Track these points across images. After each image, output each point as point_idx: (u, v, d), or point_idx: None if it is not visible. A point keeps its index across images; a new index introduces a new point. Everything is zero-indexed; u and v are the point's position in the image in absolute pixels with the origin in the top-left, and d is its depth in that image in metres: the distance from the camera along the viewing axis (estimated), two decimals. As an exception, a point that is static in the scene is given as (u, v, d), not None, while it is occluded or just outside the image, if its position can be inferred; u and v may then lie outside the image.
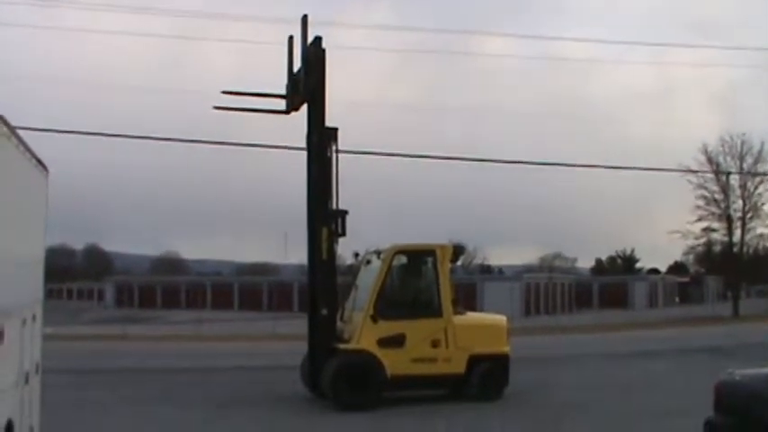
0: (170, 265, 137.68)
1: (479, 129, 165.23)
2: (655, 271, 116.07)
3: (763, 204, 66.03)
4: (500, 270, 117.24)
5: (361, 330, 17.23)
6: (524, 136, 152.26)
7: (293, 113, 19.04)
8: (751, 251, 70.37)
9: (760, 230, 67.95)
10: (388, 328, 17.33)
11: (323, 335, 17.49)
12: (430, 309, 17.94)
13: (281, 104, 19.35)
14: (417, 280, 18.91)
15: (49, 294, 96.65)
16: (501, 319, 19.45)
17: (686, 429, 12.94)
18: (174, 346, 36.75)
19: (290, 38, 19.07)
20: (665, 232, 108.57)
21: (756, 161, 64.85)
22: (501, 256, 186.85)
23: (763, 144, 64.36)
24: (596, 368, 24.73)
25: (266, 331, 45.71)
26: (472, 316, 19.78)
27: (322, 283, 17.71)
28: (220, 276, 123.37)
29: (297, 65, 18.92)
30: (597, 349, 31.38)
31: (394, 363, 17.02)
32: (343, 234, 17.96)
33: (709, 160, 65.36)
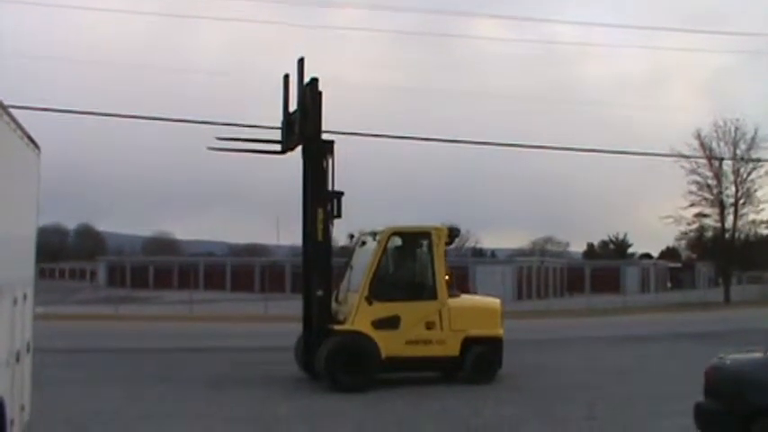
0: (163, 245, 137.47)
1: (471, 111, 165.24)
2: (647, 256, 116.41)
3: (755, 191, 66.06)
4: (492, 253, 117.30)
5: (356, 312, 17.25)
6: (517, 119, 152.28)
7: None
8: (743, 237, 70.40)
9: (752, 217, 67.93)
10: (383, 309, 17.37)
11: (318, 316, 17.53)
12: (425, 291, 17.99)
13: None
14: (412, 262, 18.94)
15: (42, 274, 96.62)
16: (495, 301, 19.51)
17: (677, 413, 12.99)
18: (166, 326, 36.73)
19: (286, 77, 18.93)
20: (658, 217, 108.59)
21: (750, 147, 64.78)
22: (493, 240, 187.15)
23: (756, 130, 64.34)
24: (588, 352, 24.80)
25: (258, 312, 45.74)
26: (466, 298, 19.77)
27: (317, 264, 17.74)
28: (213, 257, 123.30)
29: (287, 95, 18.88)
30: (589, 333, 31.47)
31: (388, 344, 17.07)
32: (339, 215, 18.00)
33: (703, 146, 65.39)
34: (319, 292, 17.48)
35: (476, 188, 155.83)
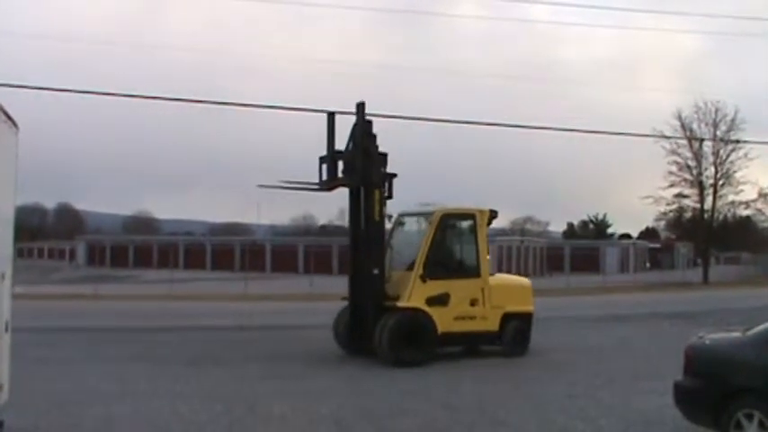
0: (142, 224, 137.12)
1: (448, 90, 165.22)
2: (626, 236, 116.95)
3: (735, 172, 66.50)
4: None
5: (412, 289, 17.89)
6: (497, 99, 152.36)
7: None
8: (722, 218, 70.83)
9: (731, 198, 68.37)
10: (435, 287, 18.09)
11: (374, 293, 18.03)
12: (470, 269, 18.84)
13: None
14: (459, 242, 19.55)
15: (20, 253, 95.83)
16: (526, 280, 21.29)
17: (656, 392, 13.11)
18: (145, 305, 36.66)
19: (331, 114, 19.07)
20: (638, 198, 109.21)
21: (730, 129, 65.20)
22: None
23: (736, 112, 64.73)
24: (568, 331, 24.90)
25: (238, 291, 45.72)
26: (501, 277, 21.01)
27: (373, 243, 18.24)
28: (192, 236, 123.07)
29: (333, 132, 18.93)
30: (569, 313, 31.59)
31: (440, 320, 17.89)
32: (390, 196, 18.71)
33: (683, 126, 65.71)
34: (375, 271, 18.03)
35: (455, 167, 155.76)
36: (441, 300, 18.06)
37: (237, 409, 12.63)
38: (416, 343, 17.52)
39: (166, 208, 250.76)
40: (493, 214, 19.44)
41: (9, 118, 9.43)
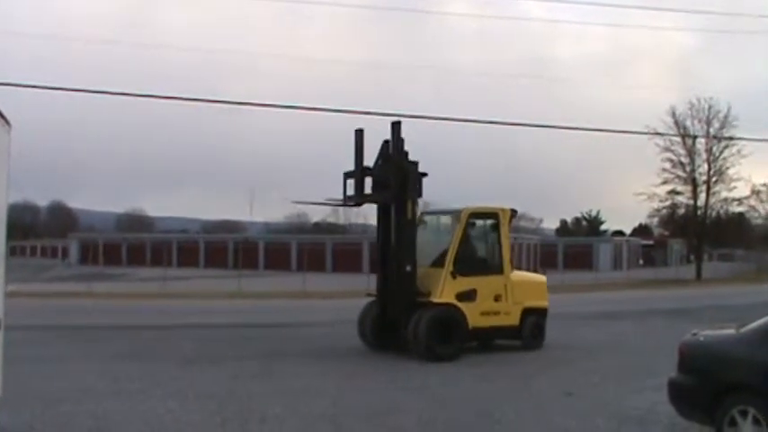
0: (135, 222, 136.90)
1: (443, 88, 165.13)
2: (620, 233, 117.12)
3: (727, 169, 66.71)
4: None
5: (443, 285, 18.36)
6: (490, 96, 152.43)
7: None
8: (714, 215, 70.98)
9: (724, 194, 68.60)
10: (464, 283, 18.68)
11: (406, 290, 18.44)
12: (494, 266, 19.55)
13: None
14: (484, 240, 20.19)
15: (13, 252, 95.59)
16: (542, 276, 22.37)
17: (651, 389, 13.13)
18: (139, 303, 36.60)
19: (360, 131, 19.43)
20: (631, 194, 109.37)
21: (723, 126, 65.36)
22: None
23: (729, 109, 64.91)
24: (562, 329, 24.82)
25: (232, 289, 45.66)
26: (520, 273, 21.59)
27: (406, 240, 18.58)
28: (186, 234, 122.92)
29: (362, 149, 19.37)
30: (562, 310, 31.49)
31: (469, 315, 18.44)
32: (420, 195, 19.10)
33: (677, 123, 65.85)
34: (408, 268, 18.38)
35: (447, 165, 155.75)
36: (469, 295, 18.60)
37: (231, 407, 12.60)
38: (450, 337, 17.98)
39: (160, 206, 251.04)
40: (513, 213, 20.09)
41: (2, 116, 9.39)
